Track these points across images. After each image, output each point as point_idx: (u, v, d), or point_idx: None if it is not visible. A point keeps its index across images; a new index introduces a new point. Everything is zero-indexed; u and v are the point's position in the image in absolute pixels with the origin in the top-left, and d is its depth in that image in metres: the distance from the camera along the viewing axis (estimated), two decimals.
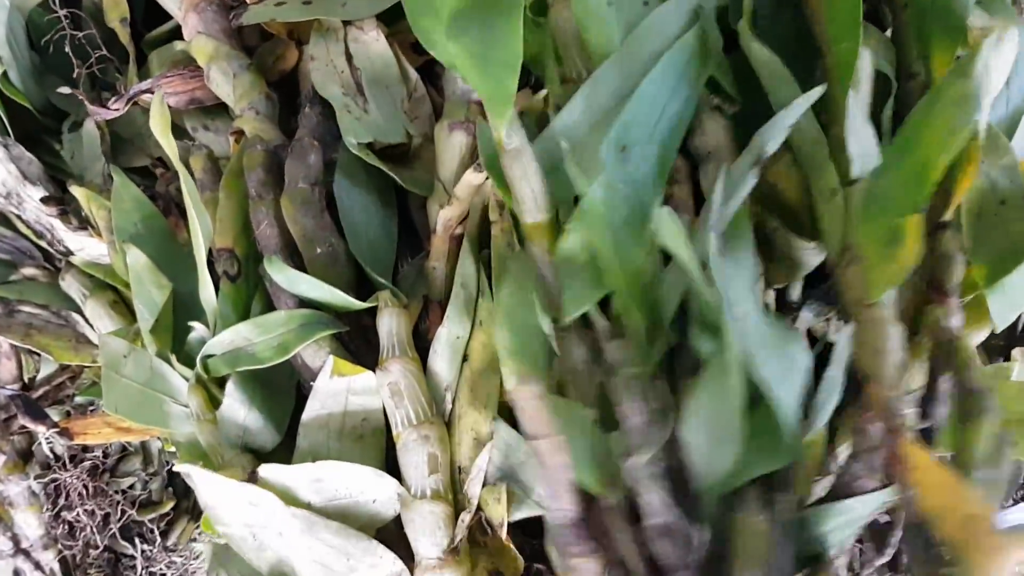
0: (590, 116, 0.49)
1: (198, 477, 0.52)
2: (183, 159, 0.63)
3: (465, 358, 0.54)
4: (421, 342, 0.55)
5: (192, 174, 0.62)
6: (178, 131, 0.68)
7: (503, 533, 0.51)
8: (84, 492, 0.70)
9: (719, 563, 0.43)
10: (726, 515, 0.44)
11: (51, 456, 0.71)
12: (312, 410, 0.53)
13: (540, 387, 0.44)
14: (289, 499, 0.51)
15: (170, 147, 0.55)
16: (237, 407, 0.54)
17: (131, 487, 0.72)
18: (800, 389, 0.42)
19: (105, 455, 0.72)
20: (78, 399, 0.72)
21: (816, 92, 0.44)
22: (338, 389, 0.52)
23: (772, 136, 0.45)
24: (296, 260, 0.57)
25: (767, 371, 0.39)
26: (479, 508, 0.53)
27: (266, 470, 0.51)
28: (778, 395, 0.40)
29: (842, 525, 0.45)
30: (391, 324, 0.53)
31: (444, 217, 0.56)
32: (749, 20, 0.47)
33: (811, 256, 0.50)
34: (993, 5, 0.56)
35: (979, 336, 0.51)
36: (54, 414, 0.70)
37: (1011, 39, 0.47)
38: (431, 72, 0.64)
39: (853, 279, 0.45)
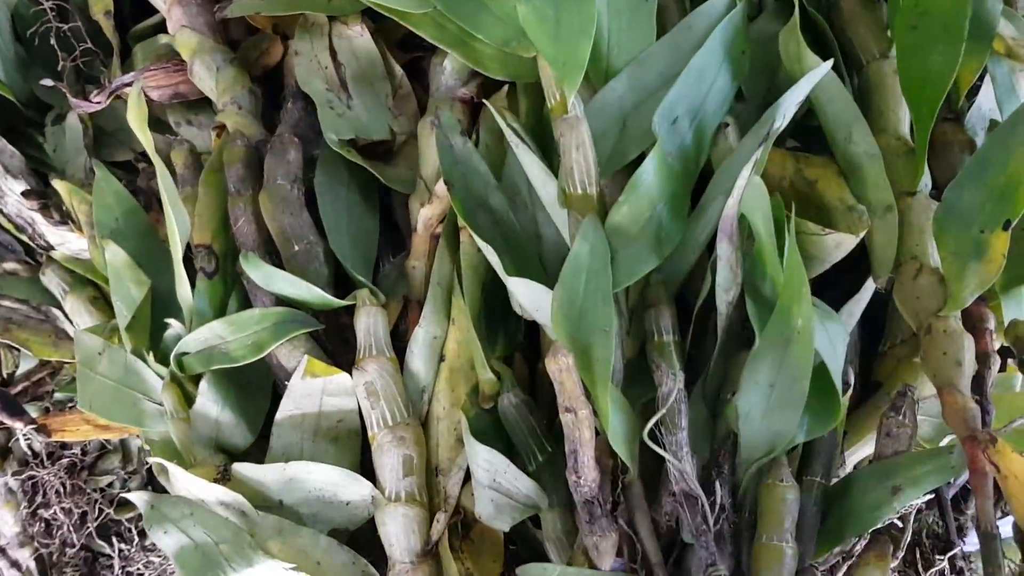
0: (635, 95, 0.51)
1: (172, 473, 0.52)
2: (166, 154, 0.63)
3: (442, 358, 0.53)
4: (400, 342, 0.54)
5: (173, 169, 0.62)
6: (161, 125, 0.67)
7: None
8: (62, 490, 0.69)
9: (742, 532, 0.45)
10: (759, 485, 0.46)
11: (29, 453, 0.70)
12: (286, 410, 0.52)
13: (572, 358, 0.44)
14: (260, 499, 0.50)
15: (147, 140, 0.54)
16: (210, 406, 0.53)
17: (109, 485, 0.71)
18: (843, 358, 0.46)
19: (84, 453, 0.71)
20: (57, 395, 0.71)
21: (826, 66, 0.47)
22: (313, 389, 0.51)
23: (783, 111, 0.47)
24: (274, 257, 0.56)
25: (818, 341, 0.43)
26: (457, 509, 0.52)
27: (238, 469, 0.50)
28: (829, 362, 0.44)
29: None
30: (368, 323, 0.52)
31: (424, 216, 0.55)
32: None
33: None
34: (1013, 18, 0.57)
35: None
36: (33, 410, 0.69)
37: None
38: (417, 69, 0.63)
39: (924, 290, 0.47)
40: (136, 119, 0.53)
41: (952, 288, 0.45)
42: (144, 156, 0.69)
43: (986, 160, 0.46)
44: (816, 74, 0.47)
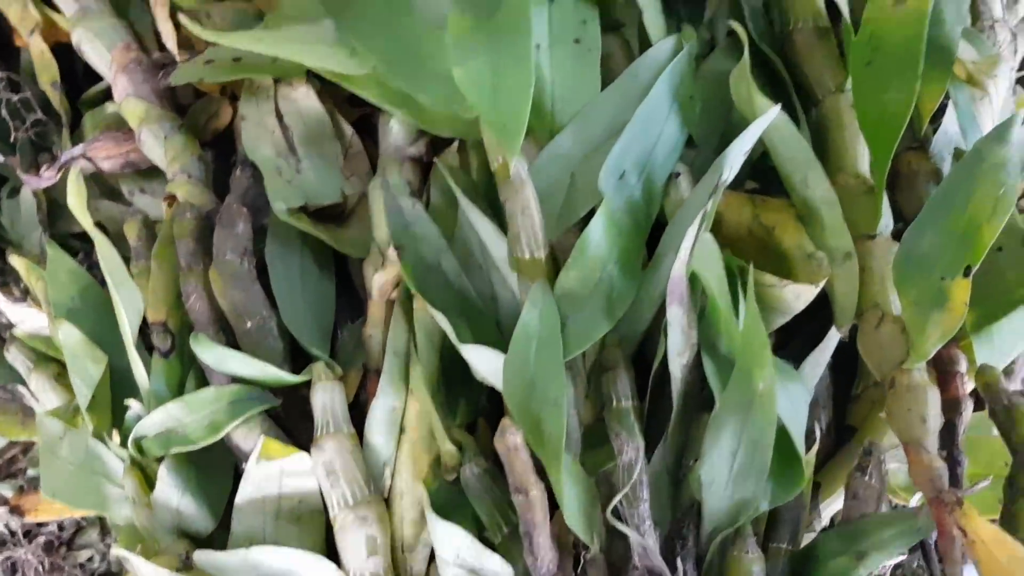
0: (582, 148, 0.49)
1: (134, 564, 0.50)
2: (120, 224, 0.62)
3: (402, 430, 0.52)
4: (362, 413, 0.53)
5: (128, 241, 0.61)
6: (115, 195, 0.66)
7: None
8: (40, 569, 0.68)
9: None
10: (724, 557, 0.45)
11: (6, 532, 0.69)
12: (245, 493, 0.50)
13: (520, 437, 0.43)
14: None
15: (87, 223, 0.53)
16: (170, 492, 0.52)
17: (89, 560, 0.70)
18: (804, 421, 0.45)
19: (61, 528, 0.70)
20: (31, 472, 0.70)
21: (773, 110, 0.45)
22: (271, 471, 0.50)
23: (730, 163, 0.45)
24: (229, 334, 0.54)
25: (780, 404, 0.42)
26: None
27: (199, 556, 0.49)
28: (791, 426, 0.43)
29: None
30: (325, 399, 0.51)
31: (379, 281, 0.54)
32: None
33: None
34: (975, 39, 0.55)
35: None
36: (7, 489, 0.68)
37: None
38: (369, 125, 0.62)
39: (887, 340, 0.45)
40: (75, 201, 0.52)
41: (914, 339, 0.43)
42: (104, 227, 0.68)
43: (945, 201, 0.45)
44: (762, 122, 0.45)
